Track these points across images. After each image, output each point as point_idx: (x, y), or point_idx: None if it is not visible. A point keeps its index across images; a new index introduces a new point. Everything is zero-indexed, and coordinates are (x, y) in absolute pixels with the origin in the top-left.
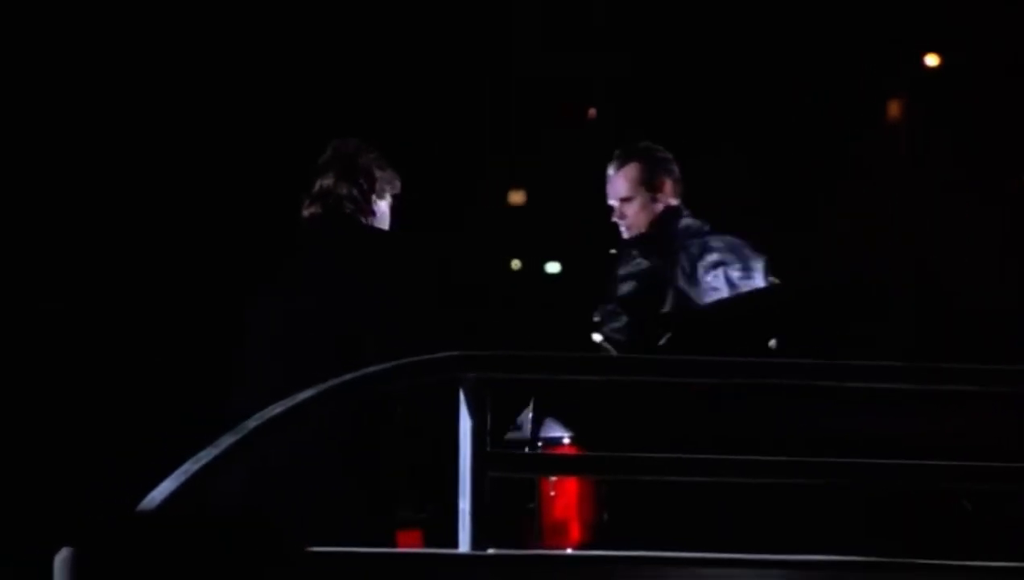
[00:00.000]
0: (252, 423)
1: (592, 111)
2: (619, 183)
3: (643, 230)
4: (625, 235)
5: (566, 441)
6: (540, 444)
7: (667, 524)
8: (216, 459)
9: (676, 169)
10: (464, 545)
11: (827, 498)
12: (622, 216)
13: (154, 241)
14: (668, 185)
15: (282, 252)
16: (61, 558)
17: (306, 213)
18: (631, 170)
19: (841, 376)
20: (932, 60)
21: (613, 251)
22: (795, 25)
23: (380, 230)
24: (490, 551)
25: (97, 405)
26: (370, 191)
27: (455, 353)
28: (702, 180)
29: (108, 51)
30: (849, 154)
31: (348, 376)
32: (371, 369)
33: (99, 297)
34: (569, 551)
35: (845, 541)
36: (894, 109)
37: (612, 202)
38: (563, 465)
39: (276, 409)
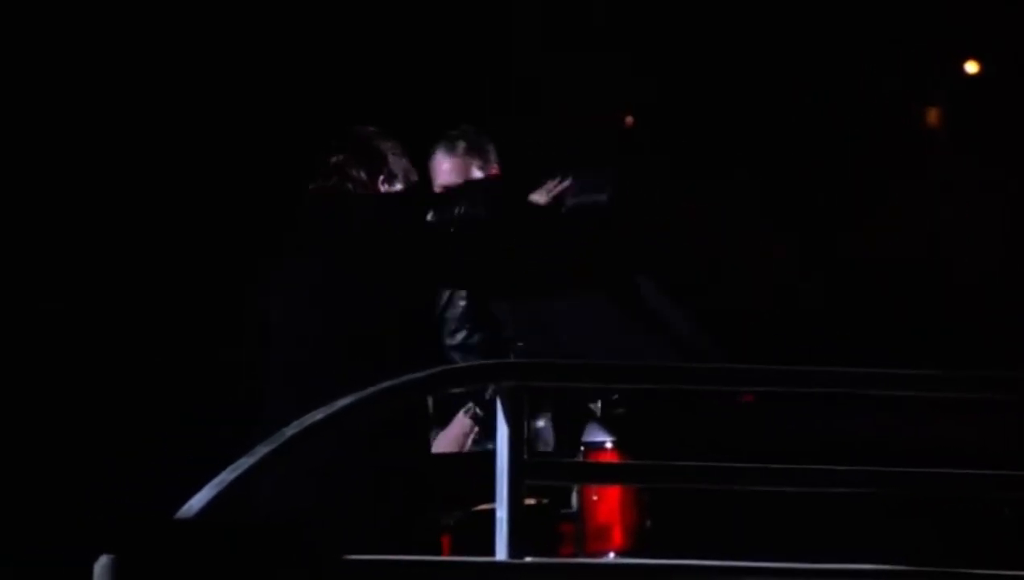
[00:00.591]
0: (289, 431)
1: (629, 119)
2: (451, 167)
3: None
4: None
5: (608, 446)
6: (583, 449)
7: (711, 531)
8: (253, 467)
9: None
10: (501, 553)
11: (869, 506)
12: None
13: (152, 240)
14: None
15: (284, 238)
16: (101, 565)
17: (312, 188)
18: (469, 155)
19: (890, 385)
20: (972, 67)
21: None
22: (829, 30)
23: (383, 213)
24: (527, 559)
25: (95, 405)
26: (378, 174)
27: (494, 361)
28: (738, 187)
29: (105, 48)
30: (887, 160)
31: (387, 383)
32: (409, 376)
33: (99, 297)
34: (611, 557)
35: (889, 549)
36: (933, 116)
37: (444, 186)
38: (601, 473)
39: (314, 416)
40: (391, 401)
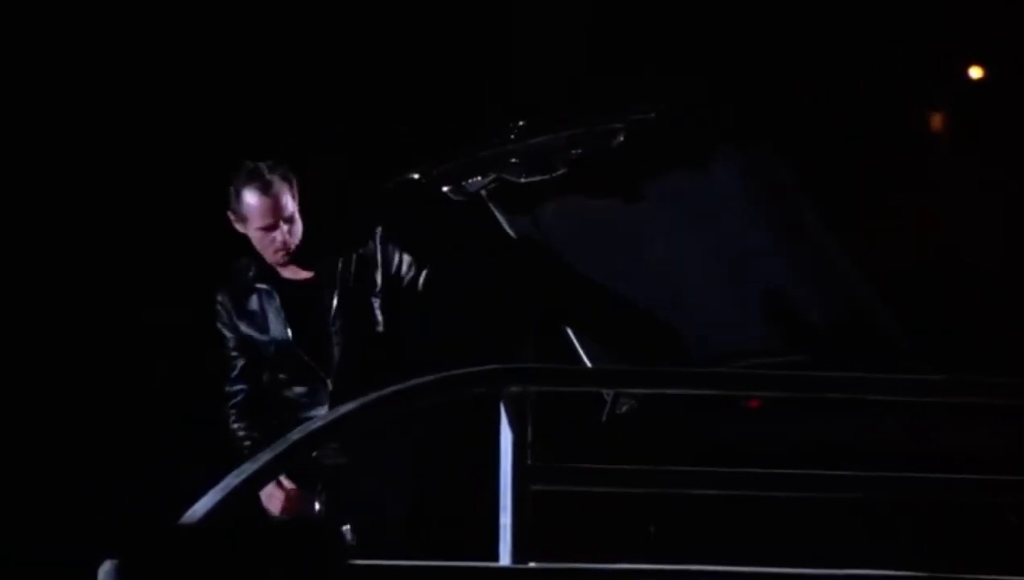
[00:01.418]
0: (294, 436)
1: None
2: (282, 201)
3: (298, 249)
4: (284, 258)
5: None
6: None
7: (714, 537)
8: (257, 473)
9: None
10: (505, 558)
11: (872, 511)
12: (292, 235)
13: (152, 241)
14: None
15: None
16: (105, 570)
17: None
18: (289, 186)
19: (893, 391)
20: (976, 72)
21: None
22: (831, 34)
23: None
24: (531, 564)
25: (95, 406)
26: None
27: (497, 366)
28: None
29: (106, 53)
30: (889, 164)
31: (390, 389)
32: (413, 382)
33: (101, 299)
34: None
35: (893, 555)
36: (936, 121)
37: (273, 221)
38: (604, 478)
39: (315, 423)
40: (395, 407)
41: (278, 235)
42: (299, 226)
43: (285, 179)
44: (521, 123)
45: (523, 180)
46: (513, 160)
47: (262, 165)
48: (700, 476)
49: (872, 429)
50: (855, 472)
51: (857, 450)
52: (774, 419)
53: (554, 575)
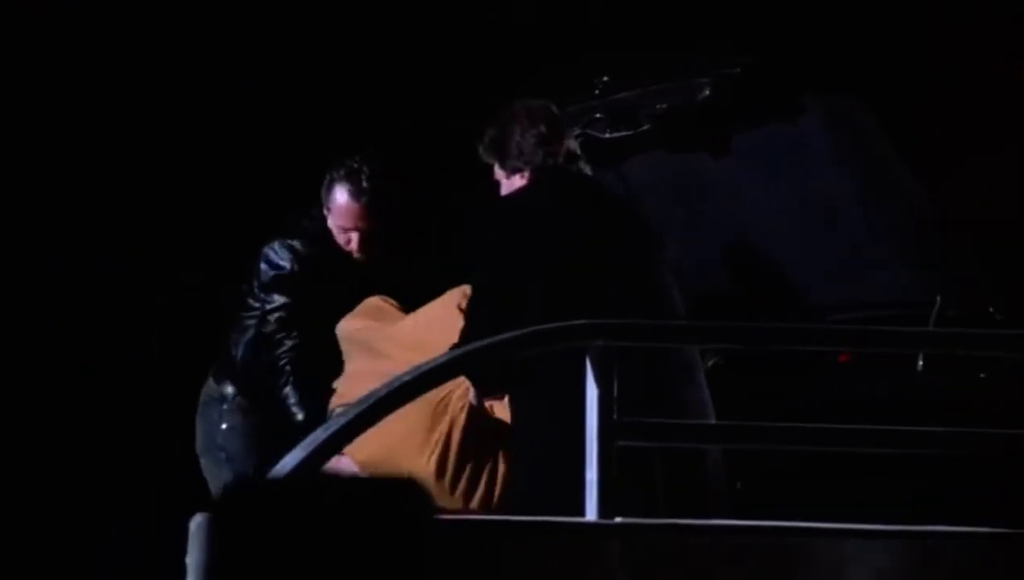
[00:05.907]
0: (381, 391)
1: None
2: (366, 212)
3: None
4: (353, 255)
5: None
6: None
7: (802, 493)
8: (345, 427)
9: None
10: (591, 514)
11: (916, 466)
12: (361, 246)
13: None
14: None
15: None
16: (196, 523)
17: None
18: (379, 202)
19: (971, 345)
20: None
21: None
22: None
23: None
24: (617, 520)
25: (101, 396)
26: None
27: (583, 321)
28: None
29: (116, 53)
30: (981, 119)
31: (477, 343)
32: (501, 336)
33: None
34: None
35: (953, 510)
36: None
37: (351, 226)
38: (692, 433)
39: (404, 377)
40: (483, 360)
41: (352, 237)
42: (374, 242)
43: (377, 193)
44: (605, 78)
45: (608, 136)
46: (597, 115)
47: (364, 171)
48: (786, 431)
49: (956, 384)
50: (939, 428)
51: (942, 406)
52: (863, 374)
53: (640, 530)
